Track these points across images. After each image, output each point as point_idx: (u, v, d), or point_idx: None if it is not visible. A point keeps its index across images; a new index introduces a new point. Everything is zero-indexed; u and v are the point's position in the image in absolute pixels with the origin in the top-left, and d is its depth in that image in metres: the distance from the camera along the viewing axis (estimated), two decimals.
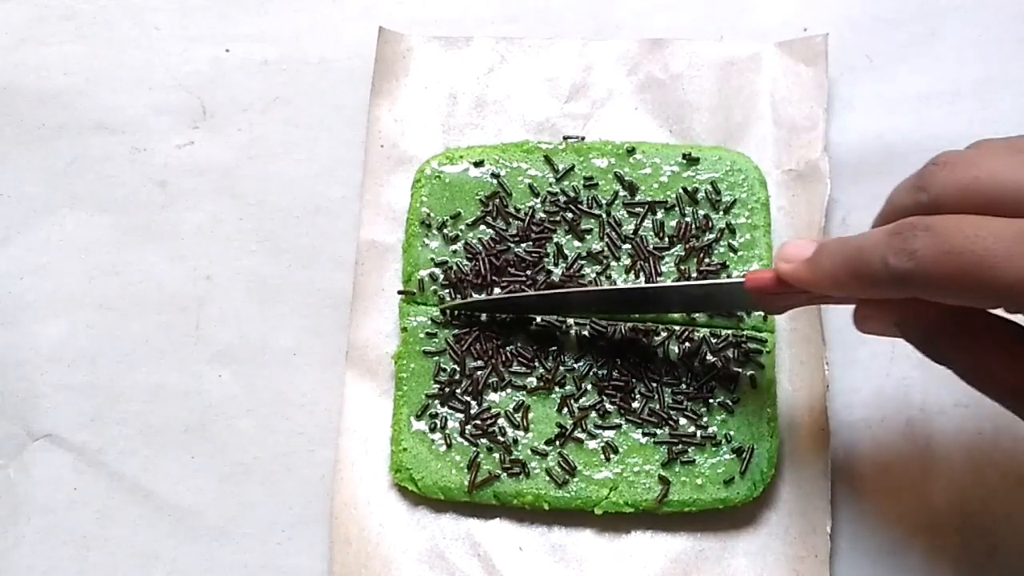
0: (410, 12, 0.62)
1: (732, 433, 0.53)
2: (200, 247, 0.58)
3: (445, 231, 0.56)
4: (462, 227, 0.56)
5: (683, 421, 0.53)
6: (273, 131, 0.60)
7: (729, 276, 0.55)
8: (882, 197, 0.58)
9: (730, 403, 0.53)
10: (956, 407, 0.55)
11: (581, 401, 0.54)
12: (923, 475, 0.54)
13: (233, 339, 0.57)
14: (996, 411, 0.54)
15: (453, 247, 0.56)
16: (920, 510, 0.54)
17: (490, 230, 0.56)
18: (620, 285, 0.55)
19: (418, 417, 0.54)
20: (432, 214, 0.56)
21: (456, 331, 0.55)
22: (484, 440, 0.53)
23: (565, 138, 0.58)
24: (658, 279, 0.55)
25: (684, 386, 0.54)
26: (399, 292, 0.56)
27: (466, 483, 0.53)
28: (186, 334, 0.57)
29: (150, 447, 0.56)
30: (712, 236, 0.56)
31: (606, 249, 0.56)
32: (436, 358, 0.55)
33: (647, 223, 0.56)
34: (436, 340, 0.55)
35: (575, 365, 0.54)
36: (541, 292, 0.54)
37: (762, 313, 0.54)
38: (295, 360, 0.57)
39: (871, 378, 0.56)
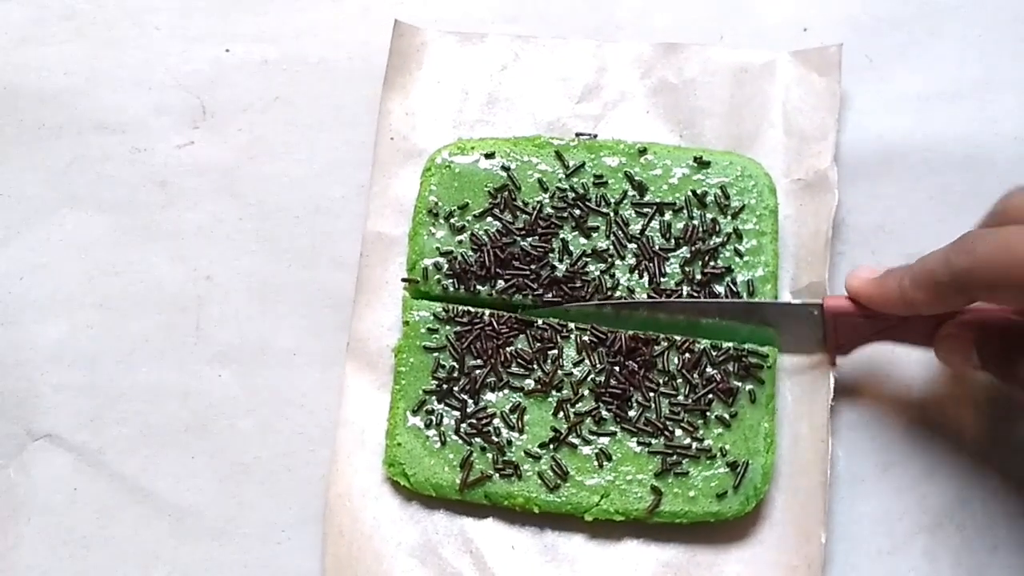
0: (410, 12, 0.62)
1: (728, 447, 0.53)
2: (200, 247, 0.58)
3: (452, 221, 0.56)
4: (469, 218, 0.56)
5: (679, 432, 0.53)
6: (273, 131, 0.60)
7: (733, 280, 0.55)
8: (882, 197, 0.58)
9: (727, 417, 0.53)
10: (956, 407, 0.55)
11: (577, 406, 0.54)
12: (923, 475, 0.54)
13: (233, 339, 0.57)
14: (997, 412, 0.55)
15: (459, 237, 0.56)
16: (920, 510, 0.54)
17: (497, 222, 0.56)
18: (702, 299, 0.54)
19: (414, 412, 0.54)
20: (440, 203, 0.56)
21: (458, 328, 0.55)
22: (478, 439, 0.53)
23: (578, 135, 0.58)
24: (662, 279, 0.55)
25: (682, 397, 0.54)
26: (403, 280, 0.56)
27: (458, 481, 0.53)
28: (186, 334, 0.57)
29: (150, 447, 0.56)
30: (719, 240, 0.55)
31: (612, 248, 0.56)
32: (436, 354, 0.55)
33: (654, 224, 0.56)
34: (437, 336, 0.55)
35: (573, 370, 0.54)
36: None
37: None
38: (295, 360, 0.57)
39: (871, 379, 0.55)
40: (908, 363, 0.55)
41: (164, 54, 0.61)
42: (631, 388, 0.54)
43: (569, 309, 0.55)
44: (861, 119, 0.59)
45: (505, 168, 0.57)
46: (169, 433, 0.56)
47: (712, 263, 0.55)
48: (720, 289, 0.55)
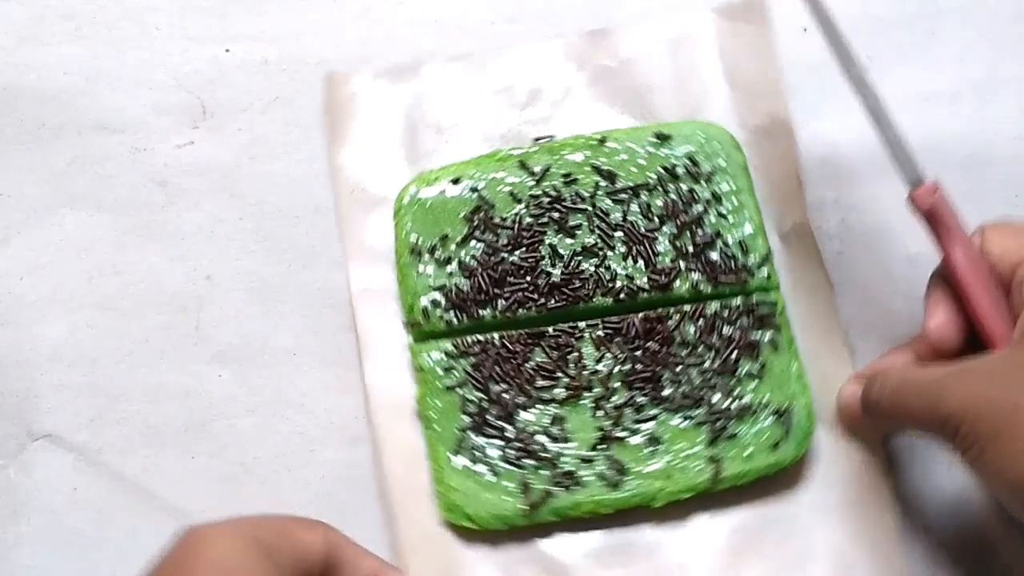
0: (410, 13, 0.62)
1: (767, 398, 0.53)
2: (200, 247, 0.58)
3: (437, 255, 0.56)
4: (452, 247, 0.56)
5: (716, 397, 0.53)
6: (273, 131, 0.60)
7: (725, 243, 0.55)
8: (882, 197, 0.58)
9: (757, 369, 0.54)
10: None
11: (613, 400, 0.54)
12: (923, 475, 0.54)
13: (233, 339, 0.57)
14: None
15: (448, 269, 0.55)
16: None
17: (481, 244, 0.56)
18: None
19: (456, 453, 0.53)
20: (420, 240, 0.56)
21: (473, 359, 0.54)
22: (529, 460, 0.53)
23: (536, 140, 0.58)
24: (657, 259, 0.55)
25: (708, 363, 0.54)
26: (406, 324, 0.55)
27: (521, 507, 0.52)
28: (186, 334, 0.57)
29: (150, 447, 0.56)
30: (700, 208, 0.56)
31: (599, 241, 0.56)
32: (459, 391, 0.54)
33: (634, 207, 0.56)
34: (455, 373, 0.54)
35: (598, 367, 0.54)
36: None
37: (767, 273, 0.55)
38: (295, 360, 0.57)
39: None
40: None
41: (164, 54, 0.61)
42: (658, 368, 0.54)
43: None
44: (861, 119, 0.59)
45: (474, 189, 0.56)
46: (169, 433, 0.56)
47: (700, 232, 0.55)
48: (715, 256, 0.55)
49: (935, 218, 0.51)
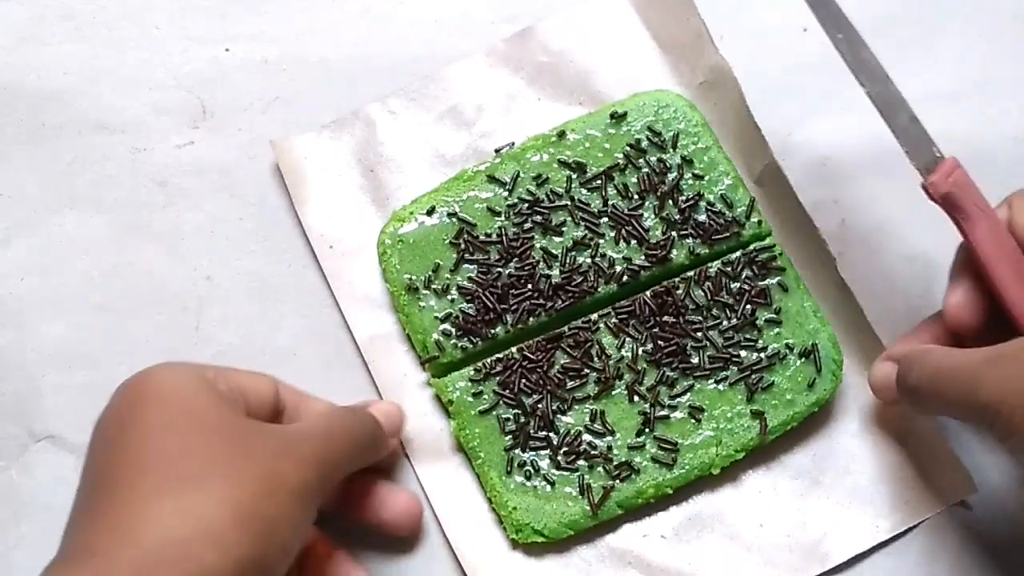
0: (410, 13, 0.62)
1: (791, 341, 0.54)
2: (200, 247, 0.58)
3: (434, 286, 0.55)
4: (447, 275, 0.56)
5: (743, 353, 0.54)
6: (273, 131, 0.60)
7: (711, 205, 0.56)
8: (881, 198, 0.58)
9: (774, 316, 0.55)
10: None
11: (645, 382, 0.54)
12: None
13: (233, 339, 0.57)
14: None
15: (449, 297, 0.55)
16: None
17: (473, 265, 0.56)
18: None
19: (508, 474, 0.53)
20: (413, 277, 0.56)
21: (498, 378, 0.54)
22: (581, 462, 0.53)
23: (497, 151, 0.58)
24: (647, 235, 0.56)
25: (726, 321, 0.54)
26: (423, 362, 0.55)
27: (587, 508, 0.53)
28: (186, 334, 0.57)
29: None
30: (675, 175, 0.56)
31: (587, 232, 0.56)
32: (493, 412, 0.54)
33: (611, 191, 0.56)
34: (485, 396, 0.54)
35: (621, 353, 0.54)
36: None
37: (757, 220, 0.56)
38: (295, 360, 0.57)
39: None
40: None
41: (164, 54, 0.61)
42: (680, 339, 0.54)
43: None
44: (861, 119, 0.59)
45: (451, 214, 0.56)
46: None
47: (681, 198, 0.56)
48: (702, 217, 0.56)
49: (952, 204, 0.49)
